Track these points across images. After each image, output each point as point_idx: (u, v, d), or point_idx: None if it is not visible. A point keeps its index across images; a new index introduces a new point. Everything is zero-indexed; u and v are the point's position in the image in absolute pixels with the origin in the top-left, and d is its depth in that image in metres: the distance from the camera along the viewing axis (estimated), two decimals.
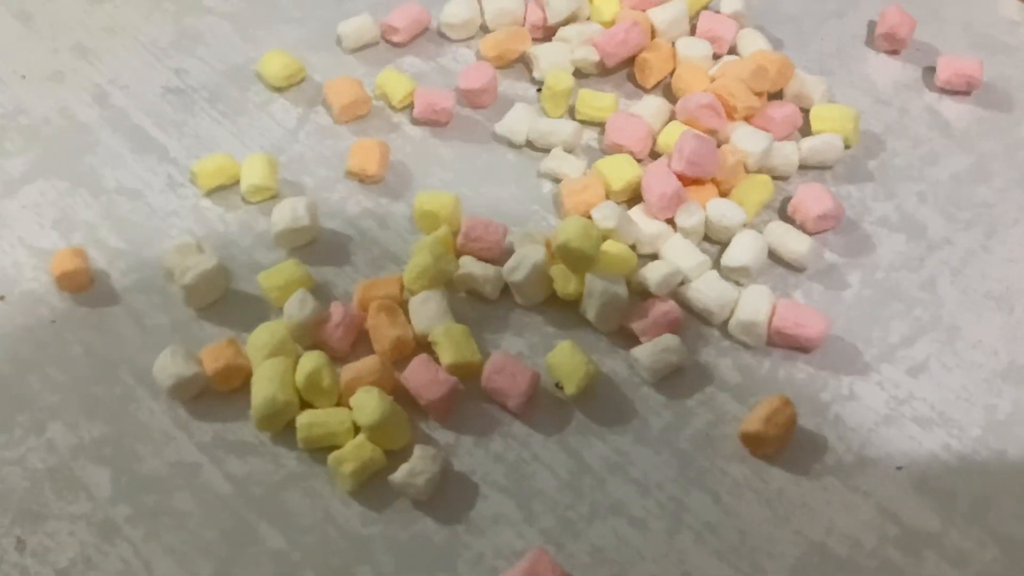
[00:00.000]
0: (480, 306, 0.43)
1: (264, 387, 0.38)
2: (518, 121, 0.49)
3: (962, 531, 0.36)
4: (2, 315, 0.43)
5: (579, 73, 0.51)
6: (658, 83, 0.51)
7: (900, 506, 0.37)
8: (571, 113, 0.50)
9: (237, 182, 0.47)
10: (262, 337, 0.40)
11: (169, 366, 0.39)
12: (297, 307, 0.40)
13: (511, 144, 0.48)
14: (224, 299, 0.43)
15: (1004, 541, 0.36)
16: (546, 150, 0.48)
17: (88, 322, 0.43)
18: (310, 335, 0.41)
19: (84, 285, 0.43)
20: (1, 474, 0.38)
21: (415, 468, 0.37)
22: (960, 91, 0.50)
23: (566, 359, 0.39)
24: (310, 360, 0.39)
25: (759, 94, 0.48)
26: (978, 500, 0.37)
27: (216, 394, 0.40)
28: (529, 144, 0.49)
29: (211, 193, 0.47)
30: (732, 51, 0.52)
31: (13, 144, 0.49)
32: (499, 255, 0.43)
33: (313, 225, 0.44)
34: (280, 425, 0.39)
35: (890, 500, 0.37)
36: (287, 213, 0.44)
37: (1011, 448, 0.38)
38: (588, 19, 0.53)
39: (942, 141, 0.48)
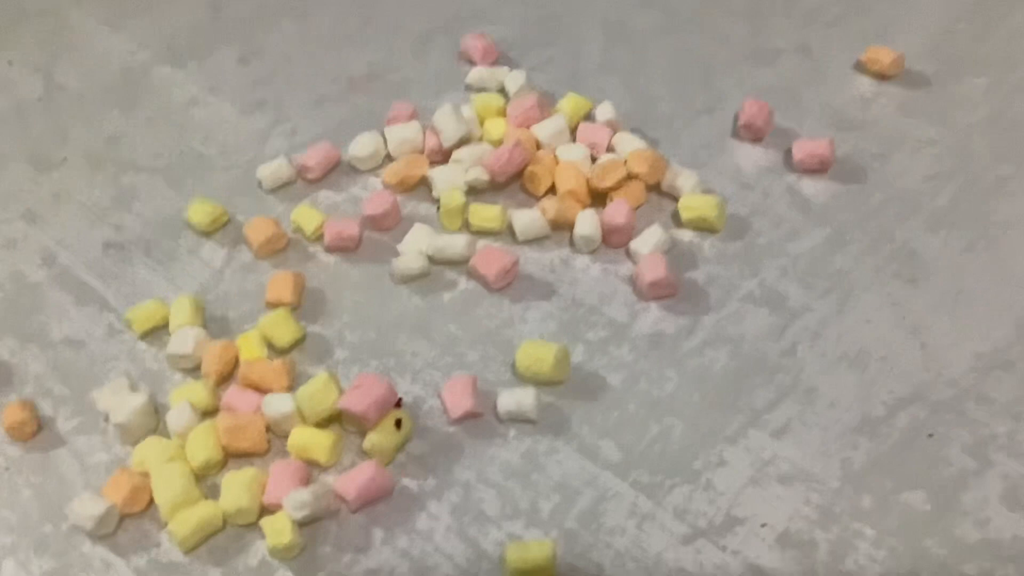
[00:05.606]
0: None
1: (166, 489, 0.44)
2: (416, 239, 0.54)
3: None
4: None
5: (475, 190, 0.57)
6: (548, 189, 0.56)
7: (765, 560, 0.41)
8: (468, 226, 0.55)
9: (167, 323, 0.52)
10: (152, 450, 0.45)
11: (82, 511, 0.44)
12: (176, 416, 0.46)
13: (406, 265, 0.53)
14: (158, 433, 0.48)
15: None
16: (445, 263, 0.54)
17: (37, 466, 0.47)
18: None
19: (32, 433, 0.48)
20: None
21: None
22: (816, 170, 0.55)
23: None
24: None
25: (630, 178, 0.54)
26: (836, 548, 0.41)
27: (150, 518, 0.44)
28: (430, 258, 0.54)
29: (145, 336, 0.52)
30: (611, 151, 0.58)
31: None
32: None
33: (196, 354, 0.49)
34: (192, 518, 0.43)
35: (756, 556, 0.41)
36: (177, 340, 0.50)
37: (866, 496, 0.42)
38: (480, 140, 0.59)
39: (801, 218, 0.53)
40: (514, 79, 0.62)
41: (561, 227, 0.54)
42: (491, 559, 0.42)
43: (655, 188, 0.55)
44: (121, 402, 0.47)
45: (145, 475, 0.45)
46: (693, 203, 0.53)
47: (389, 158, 0.60)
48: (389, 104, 0.62)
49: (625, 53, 0.65)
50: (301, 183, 0.59)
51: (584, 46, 0.66)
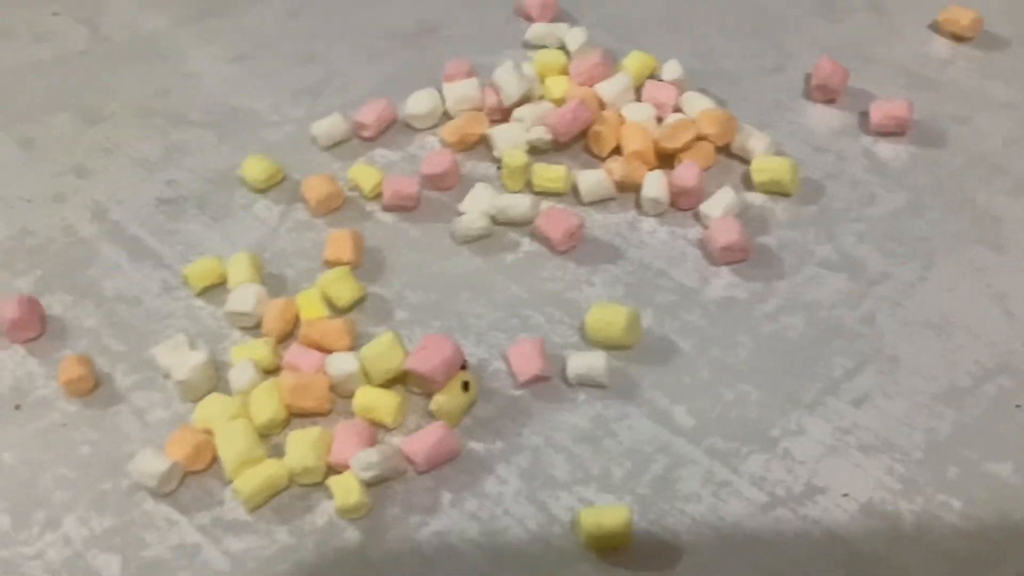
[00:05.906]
0: None
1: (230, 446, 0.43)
2: (477, 199, 0.52)
3: (907, 551, 0.39)
4: (17, 422, 0.47)
5: (537, 150, 0.55)
6: (613, 150, 0.55)
7: (847, 531, 0.39)
8: (530, 187, 0.54)
9: (225, 281, 0.51)
10: (215, 408, 0.45)
11: (144, 468, 0.43)
12: (238, 374, 0.45)
13: (468, 225, 0.52)
14: (219, 391, 0.47)
15: (949, 558, 0.38)
16: (507, 223, 0.52)
17: (95, 422, 0.47)
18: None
19: (89, 389, 0.47)
20: (23, 570, 0.42)
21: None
22: (893, 132, 0.53)
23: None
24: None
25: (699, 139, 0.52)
26: (921, 520, 0.39)
27: (213, 476, 0.44)
28: (492, 219, 0.52)
29: (202, 293, 0.51)
30: (678, 111, 0.56)
31: (22, 263, 0.54)
32: None
33: (256, 312, 0.48)
34: (258, 476, 0.42)
35: (838, 526, 0.40)
36: (237, 298, 0.49)
37: (952, 467, 0.41)
38: (541, 98, 0.57)
39: (878, 181, 0.51)
40: (575, 36, 0.60)
41: (627, 189, 0.53)
42: (563, 523, 0.41)
43: (723, 150, 0.54)
44: (181, 359, 0.46)
45: (208, 432, 0.44)
46: (766, 165, 0.51)
47: (446, 116, 0.58)
48: (442, 60, 0.60)
49: (688, 8, 0.63)
50: (356, 141, 0.58)
51: (645, 0, 0.64)
